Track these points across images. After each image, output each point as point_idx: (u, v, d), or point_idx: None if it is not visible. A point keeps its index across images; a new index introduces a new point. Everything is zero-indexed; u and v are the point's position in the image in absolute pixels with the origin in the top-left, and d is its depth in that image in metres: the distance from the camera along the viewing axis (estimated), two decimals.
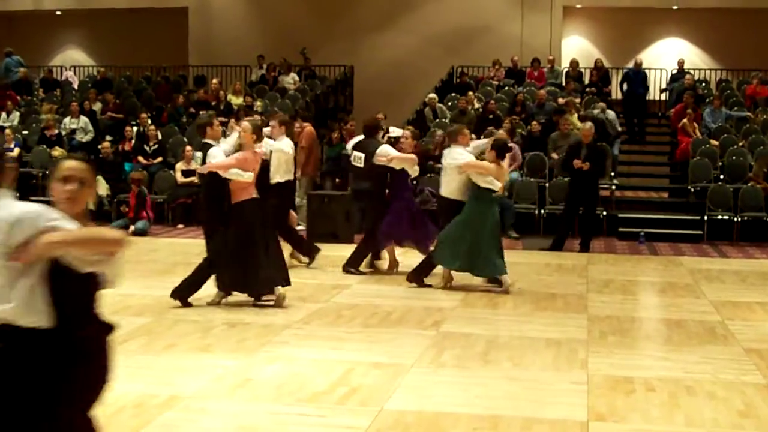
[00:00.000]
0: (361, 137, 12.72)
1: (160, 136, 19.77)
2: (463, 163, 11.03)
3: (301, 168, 16.44)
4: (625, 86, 22.72)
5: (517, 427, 6.17)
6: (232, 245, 9.75)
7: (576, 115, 19.12)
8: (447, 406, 6.55)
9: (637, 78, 22.74)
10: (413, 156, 12.07)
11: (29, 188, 19.83)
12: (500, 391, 6.95)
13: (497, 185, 10.86)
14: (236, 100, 22.17)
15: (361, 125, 13.03)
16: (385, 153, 11.92)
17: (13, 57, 26.21)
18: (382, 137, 12.64)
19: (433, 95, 22.02)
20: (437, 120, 20.74)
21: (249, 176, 9.77)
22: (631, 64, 23.74)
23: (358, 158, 12.36)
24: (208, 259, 9.93)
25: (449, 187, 11.25)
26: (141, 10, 28.18)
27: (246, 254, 9.71)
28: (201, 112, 19.32)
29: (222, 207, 9.84)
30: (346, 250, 14.46)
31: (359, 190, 12.68)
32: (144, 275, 12.10)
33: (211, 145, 10.19)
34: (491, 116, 19.57)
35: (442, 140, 18.28)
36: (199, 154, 11.62)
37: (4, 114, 22.45)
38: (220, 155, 9.97)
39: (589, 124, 15.66)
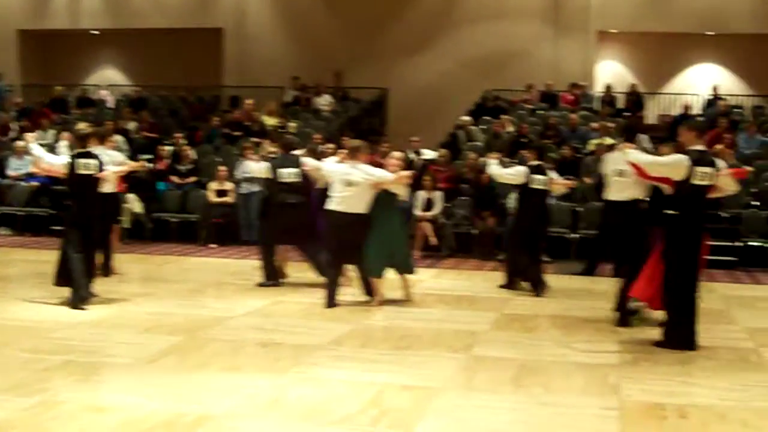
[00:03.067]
0: (276, 155, 13.09)
1: (194, 156, 19.90)
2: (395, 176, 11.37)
3: None
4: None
5: None
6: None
7: (609, 139, 19.08)
8: (478, 430, 6.52)
9: None
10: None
11: (64, 206, 19.97)
12: (532, 416, 6.91)
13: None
14: (270, 121, 22.27)
15: (282, 144, 13.25)
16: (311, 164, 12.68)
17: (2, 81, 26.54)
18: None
19: (467, 118, 22.04)
20: (470, 143, 20.76)
21: None
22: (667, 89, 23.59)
23: (291, 174, 12.53)
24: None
25: (361, 202, 11.18)
26: (177, 31, 28.39)
27: None
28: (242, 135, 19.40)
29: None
30: None
31: (292, 203, 12.66)
32: (177, 294, 12.18)
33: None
34: (524, 140, 19.58)
35: (475, 163, 18.33)
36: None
37: (39, 131, 22.65)
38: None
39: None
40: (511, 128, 21.18)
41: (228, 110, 24.39)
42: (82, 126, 11.82)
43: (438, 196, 17.27)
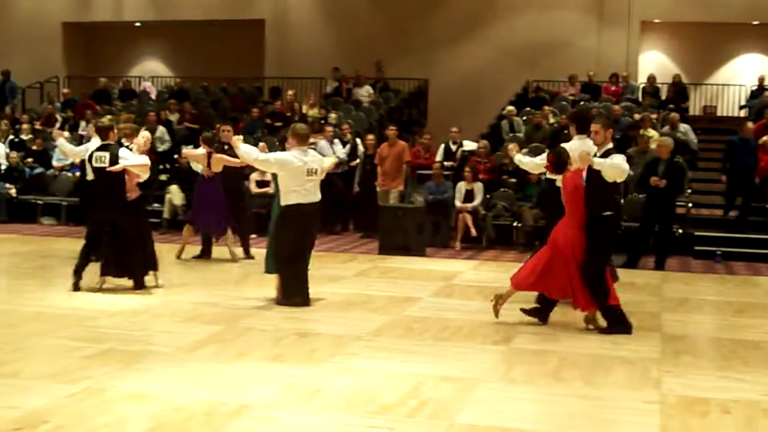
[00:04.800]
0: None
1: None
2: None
3: (393, 180, 17.00)
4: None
5: None
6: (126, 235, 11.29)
7: (652, 131, 18.92)
8: (517, 422, 6.49)
9: (745, 147, 17.96)
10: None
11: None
12: (571, 409, 6.86)
13: None
14: (311, 112, 22.29)
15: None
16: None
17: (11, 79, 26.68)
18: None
19: (511, 108, 21.94)
20: (513, 134, 20.65)
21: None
22: (711, 81, 23.30)
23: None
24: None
25: (318, 190, 10.70)
26: (218, 22, 28.49)
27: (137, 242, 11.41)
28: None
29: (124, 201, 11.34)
30: (418, 263, 14.51)
31: None
32: (217, 284, 12.23)
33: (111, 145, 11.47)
34: (566, 131, 19.44)
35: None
36: None
37: (83, 123, 22.83)
38: (132, 155, 11.46)
39: (669, 139, 15.47)
40: (552, 119, 21.05)
41: (269, 101, 24.43)
42: (105, 120, 12.00)
43: (478, 187, 17.20)
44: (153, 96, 26.50)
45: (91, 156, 11.40)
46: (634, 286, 12.90)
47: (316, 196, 10.61)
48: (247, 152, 10.55)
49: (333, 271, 13.42)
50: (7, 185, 19.94)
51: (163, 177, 20.10)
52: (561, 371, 7.97)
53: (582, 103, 22.74)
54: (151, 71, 30.68)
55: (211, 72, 27.74)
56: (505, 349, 8.75)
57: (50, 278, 12.76)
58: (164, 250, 14.85)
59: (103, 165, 11.22)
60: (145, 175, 11.63)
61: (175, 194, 18.25)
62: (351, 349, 8.58)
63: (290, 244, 10.60)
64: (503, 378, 7.70)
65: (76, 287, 11.24)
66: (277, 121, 21.62)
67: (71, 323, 9.45)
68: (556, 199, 11.79)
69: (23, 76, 27.74)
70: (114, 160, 11.20)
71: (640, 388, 7.52)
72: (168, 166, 20.28)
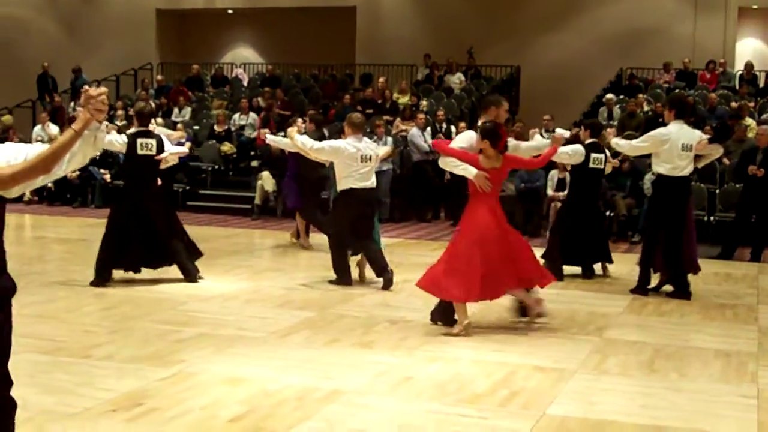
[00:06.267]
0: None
1: (326, 134, 20.00)
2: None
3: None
4: None
5: None
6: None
7: (749, 120, 18.55)
8: (611, 414, 6.40)
9: None
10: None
11: (199, 182, 20.36)
12: (666, 402, 6.74)
13: None
14: (402, 99, 22.28)
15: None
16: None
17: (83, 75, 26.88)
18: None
19: (610, 96, 21.67)
20: (609, 121, 20.39)
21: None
22: None
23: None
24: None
25: (373, 177, 11.16)
26: (310, 9, 28.59)
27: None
28: (368, 111, 19.47)
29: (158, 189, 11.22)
30: None
31: None
32: (308, 270, 12.27)
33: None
34: (660, 119, 19.16)
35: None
36: None
37: (176, 109, 23.13)
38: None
39: (766, 126, 15.12)
40: (646, 107, 20.76)
41: (360, 88, 24.49)
42: (143, 104, 11.61)
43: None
44: (245, 83, 26.73)
45: (134, 142, 10.84)
46: (730, 278, 12.67)
47: (371, 182, 10.99)
48: (303, 142, 11.02)
49: (424, 258, 13.36)
50: (102, 171, 20.27)
51: (254, 163, 20.33)
52: (655, 363, 7.84)
53: (677, 90, 22.39)
54: (242, 58, 30.94)
55: (302, 59, 27.90)
56: (599, 340, 8.64)
57: None
58: (255, 236, 15.00)
59: (150, 153, 10.84)
60: (173, 162, 11.53)
61: (266, 180, 18.38)
62: (442, 337, 8.54)
63: (343, 228, 10.97)
64: (596, 369, 7.60)
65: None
66: (368, 108, 21.65)
67: (164, 307, 9.57)
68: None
69: (118, 63, 28.21)
70: (161, 148, 10.97)
71: (736, 382, 7.36)
72: (259, 152, 20.43)
